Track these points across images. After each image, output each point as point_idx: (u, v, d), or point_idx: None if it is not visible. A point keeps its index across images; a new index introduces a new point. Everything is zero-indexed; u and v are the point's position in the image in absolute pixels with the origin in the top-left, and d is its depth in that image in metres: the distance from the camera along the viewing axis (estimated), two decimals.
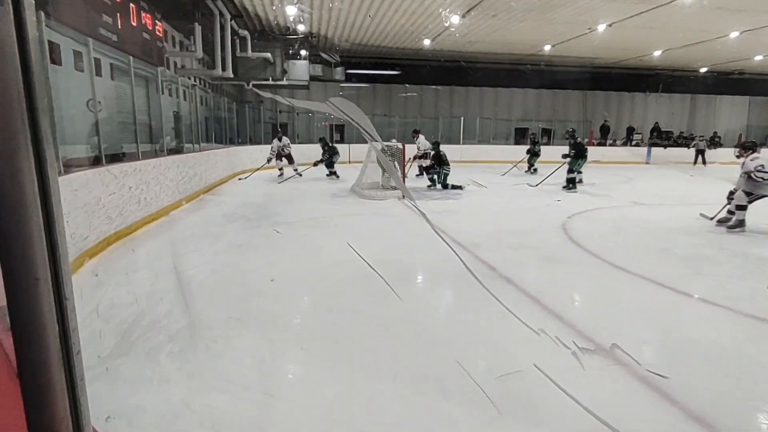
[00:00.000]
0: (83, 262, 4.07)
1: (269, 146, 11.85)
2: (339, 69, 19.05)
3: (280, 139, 11.44)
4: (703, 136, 19.93)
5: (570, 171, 9.39)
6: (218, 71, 10.73)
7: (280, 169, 11.54)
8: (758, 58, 18.18)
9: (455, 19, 13.13)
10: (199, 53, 10.02)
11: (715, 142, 20.47)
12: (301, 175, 11.43)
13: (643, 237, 5.50)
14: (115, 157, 5.56)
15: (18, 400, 0.74)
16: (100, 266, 4.11)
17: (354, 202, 8.00)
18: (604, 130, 21.30)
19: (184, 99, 8.65)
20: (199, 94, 10.24)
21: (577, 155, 9.32)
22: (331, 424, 1.93)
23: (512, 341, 2.71)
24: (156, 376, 2.28)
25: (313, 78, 17.58)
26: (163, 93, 6.92)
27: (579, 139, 9.62)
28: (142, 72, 6.65)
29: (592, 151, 17.56)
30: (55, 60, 4.88)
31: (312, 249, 4.84)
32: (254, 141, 15.96)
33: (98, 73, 5.51)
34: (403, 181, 8.42)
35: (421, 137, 11.69)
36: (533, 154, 13.37)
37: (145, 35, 7.51)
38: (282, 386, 2.25)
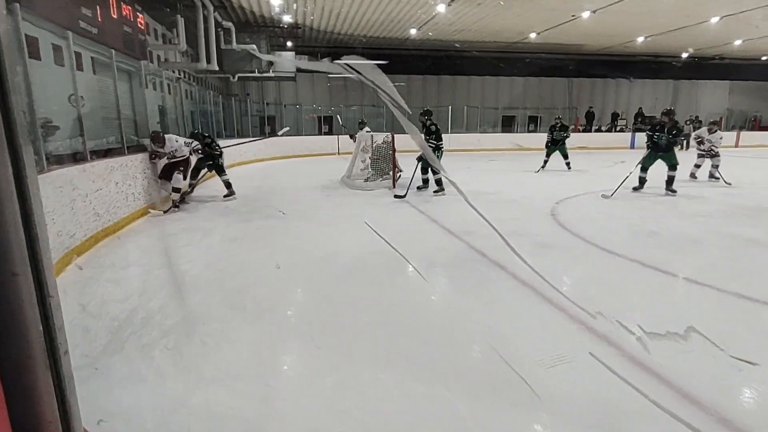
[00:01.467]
0: (71, 260, 4.00)
1: (256, 140, 11.68)
2: (326, 60, 18.86)
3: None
4: (691, 119, 20.29)
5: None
6: (203, 64, 10.54)
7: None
8: (738, 42, 18.40)
9: (441, 8, 13.06)
10: (183, 46, 9.82)
11: (695, 127, 20.77)
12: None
13: (632, 221, 5.58)
14: (100, 153, 5.45)
15: (0, 401, 0.69)
16: (88, 263, 4.04)
17: (345, 193, 7.97)
18: (590, 116, 21.50)
19: (169, 93, 8.49)
20: (184, 88, 10.07)
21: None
22: (331, 414, 1.92)
23: (511, 327, 2.74)
24: (150, 373, 2.25)
25: (299, 69, 17.38)
26: (147, 87, 6.78)
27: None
28: (125, 66, 6.51)
29: (578, 138, 17.71)
30: (34, 54, 4.75)
31: (305, 240, 4.82)
32: (242, 134, 15.79)
33: (79, 67, 5.38)
34: (395, 174, 8.38)
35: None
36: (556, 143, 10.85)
37: (126, 28, 7.33)
38: (281, 378, 2.24)
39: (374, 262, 3.99)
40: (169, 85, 8.58)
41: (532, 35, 17.04)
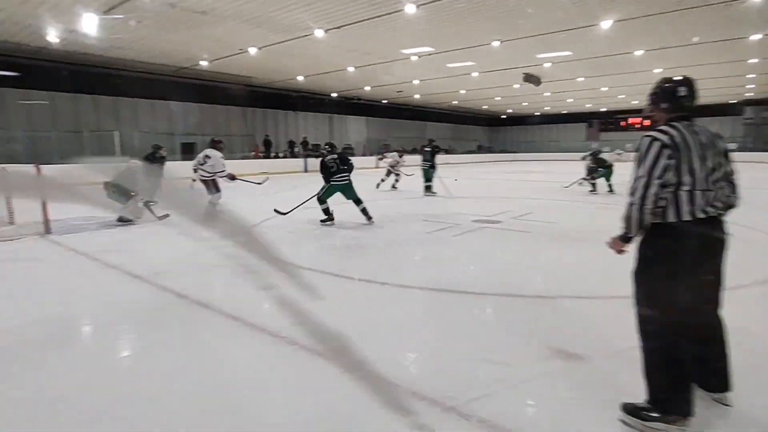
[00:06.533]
0: None
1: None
2: None
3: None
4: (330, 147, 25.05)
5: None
6: None
7: None
8: (367, 88, 23.94)
9: (91, 17, 11.23)
10: None
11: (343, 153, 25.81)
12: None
13: (316, 237, 6.34)
14: None
15: None
16: None
17: None
18: (267, 143, 23.23)
19: None
20: None
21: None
22: None
23: (229, 371, 2.61)
24: None
25: None
26: None
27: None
28: None
29: (259, 164, 18.72)
30: None
31: None
32: None
33: None
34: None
35: None
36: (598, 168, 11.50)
37: None
38: None
39: (35, 337, 3.02)
40: None
41: (203, 63, 16.97)
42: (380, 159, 12.81)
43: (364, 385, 2.33)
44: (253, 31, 12.87)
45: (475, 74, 19.83)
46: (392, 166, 13.32)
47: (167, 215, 7.18)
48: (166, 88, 19.33)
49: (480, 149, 39.00)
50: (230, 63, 16.88)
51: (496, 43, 14.40)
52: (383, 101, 29.35)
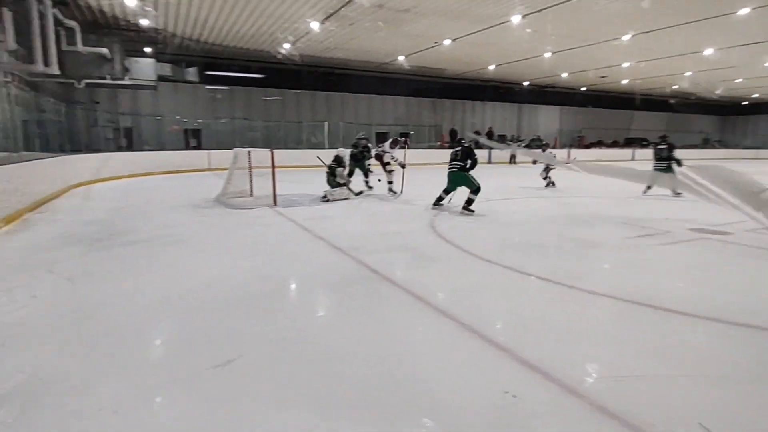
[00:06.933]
0: None
1: (111, 154, 10.36)
2: (192, 69, 17.55)
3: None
4: (519, 137, 23.92)
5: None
6: (39, 66, 8.96)
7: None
8: (564, 75, 22.04)
9: (315, 25, 13.16)
10: (11, 44, 8.24)
11: (530, 145, 24.31)
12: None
13: (499, 229, 6.22)
14: None
15: None
16: None
17: (221, 213, 7.46)
18: (453, 134, 23.65)
19: None
20: (15, 93, 8.45)
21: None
22: None
23: (407, 345, 2.80)
24: None
25: (161, 78, 15.89)
26: None
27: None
28: None
29: (444, 153, 19.23)
30: None
31: (177, 270, 4.36)
32: (90, 147, 13.79)
33: None
34: (275, 190, 8.11)
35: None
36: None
37: None
38: None
39: (258, 290, 3.77)
40: None
41: (401, 58, 18.16)
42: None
43: (541, 387, 2.22)
44: (450, 24, 13.18)
45: (708, 52, 16.36)
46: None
47: (362, 192, 9.20)
48: (368, 83, 21.43)
49: (706, 143, 32.17)
50: (425, 56, 17.66)
51: (744, 11, 11.58)
52: (582, 88, 26.66)
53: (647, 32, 13.87)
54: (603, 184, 10.80)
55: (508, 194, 10.09)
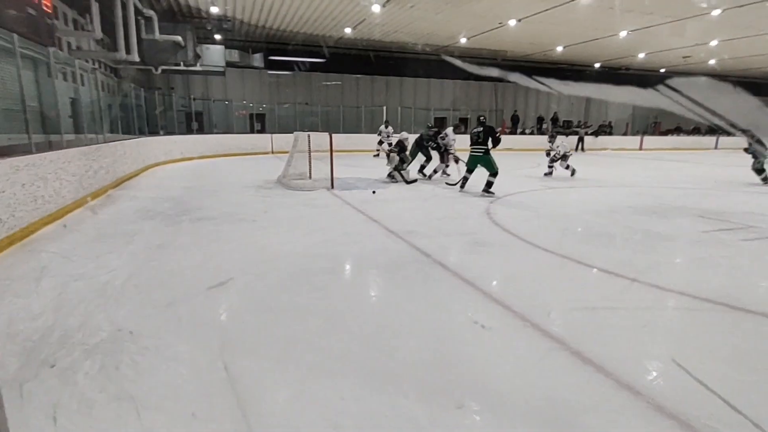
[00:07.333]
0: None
1: (184, 137, 11.07)
2: (257, 55, 18.21)
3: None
4: (586, 124, 22.37)
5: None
6: (121, 54, 9.71)
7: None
8: (641, 55, 20.42)
9: (376, 8, 13.13)
10: (98, 33, 8.99)
11: (598, 131, 22.89)
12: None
13: (559, 218, 5.98)
14: (3, 150, 4.84)
15: None
16: None
17: (281, 194, 7.76)
18: (515, 119, 22.77)
19: (83, 84, 7.73)
20: (101, 79, 9.23)
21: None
22: None
23: (458, 328, 2.80)
24: (74, 401, 2.02)
25: (229, 64, 16.65)
26: (56, 77, 6.12)
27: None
28: (29, 53, 5.83)
29: (505, 140, 18.67)
30: None
31: (241, 245, 4.62)
32: (166, 130, 14.80)
33: None
34: (333, 173, 8.30)
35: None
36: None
37: (30, 10, 6.56)
38: (226, 397, 2.09)
39: (316, 267, 3.91)
40: (82, 75, 7.81)
41: (462, 40, 17.68)
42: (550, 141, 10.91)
43: (594, 381, 2.14)
44: (516, 2, 12.61)
45: None
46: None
47: (416, 180, 9.08)
48: (428, 66, 21.11)
49: None
50: (487, 38, 17.08)
51: None
52: (661, 70, 24.57)
53: (740, 6, 12.49)
54: (686, 173, 10.00)
55: (570, 183, 9.63)
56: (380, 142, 15.09)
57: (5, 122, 5.19)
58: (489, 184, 7.62)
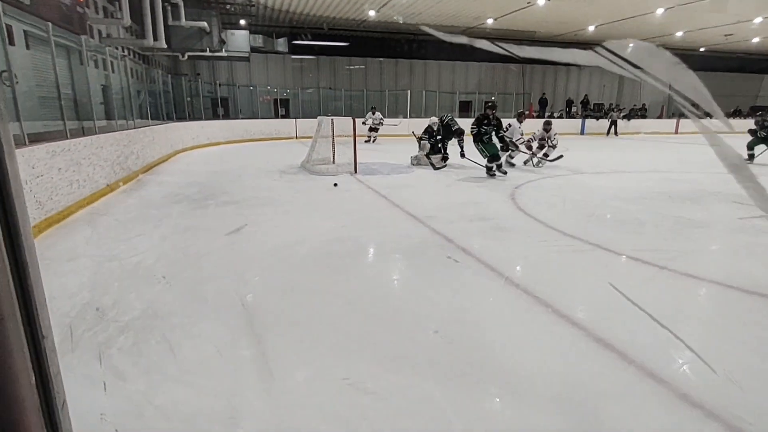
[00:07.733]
0: None
1: (210, 122, 11.28)
2: (281, 40, 18.25)
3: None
4: (619, 107, 21.50)
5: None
6: (149, 41, 9.89)
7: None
8: (679, 34, 19.47)
9: None
10: (127, 21, 9.18)
11: (630, 115, 22.02)
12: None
13: (586, 204, 5.84)
14: (39, 136, 5.04)
15: None
16: None
17: (305, 179, 7.83)
18: (543, 102, 22.16)
19: (113, 71, 7.94)
20: (130, 66, 9.45)
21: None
22: (305, 410, 1.89)
23: (479, 312, 2.80)
24: (109, 374, 2.13)
25: (253, 49, 16.74)
26: (88, 64, 6.30)
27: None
28: (63, 41, 6.00)
29: (532, 123, 18.30)
30: None
31: (266, 228, 4.70)
32: (193, 116, 15.08)
33: (11, 41, 4.91)
34: (356, 157, 8.32)
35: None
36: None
37: (64, 0, 6.74)
38: (250, 374, 2.16)
39: (338, 250, 3.95)
40: (112, 62, 8.01)
41: (489, 20, 17.23)
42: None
43: (617, 368, 2.11)
44: None
45: None
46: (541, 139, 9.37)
47: (444, 166, 9.02)
48: (452, 49, 20.68)
49: None
50: (515, 18, 16.59)
51: None
52: (700, 49, 23.36)
53: None
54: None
55: (600, 168, 9.36)
56: (371, 129, 15.10)
57: (41, 109, 5.39)
58: (489, 168, 8.01)
